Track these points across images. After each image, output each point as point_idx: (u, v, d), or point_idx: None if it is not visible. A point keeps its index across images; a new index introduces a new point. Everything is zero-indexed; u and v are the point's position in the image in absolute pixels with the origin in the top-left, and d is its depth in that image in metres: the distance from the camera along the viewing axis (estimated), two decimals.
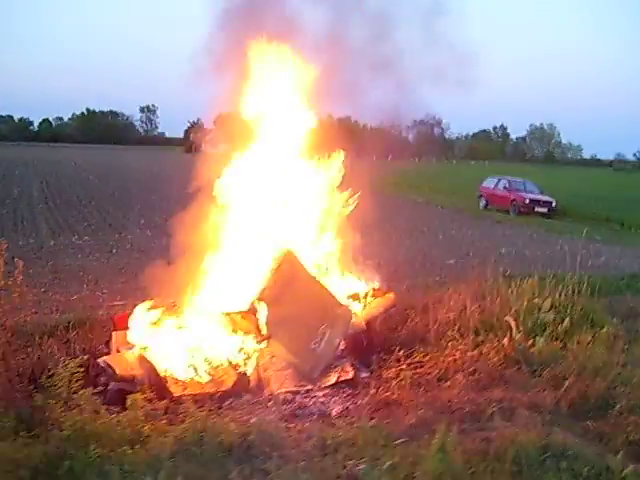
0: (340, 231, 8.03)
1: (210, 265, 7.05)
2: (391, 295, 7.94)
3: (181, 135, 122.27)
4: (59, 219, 20.28)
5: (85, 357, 6.05)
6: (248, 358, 6.57)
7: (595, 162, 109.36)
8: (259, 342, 6.60)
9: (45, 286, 10.86)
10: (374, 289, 7.94)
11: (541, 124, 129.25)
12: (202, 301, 6.84)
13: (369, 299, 7.77)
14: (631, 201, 31.98)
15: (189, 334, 6.54)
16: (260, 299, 6.58)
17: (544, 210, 28.17)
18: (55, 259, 13.67)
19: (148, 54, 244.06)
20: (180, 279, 6.94)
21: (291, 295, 6.81)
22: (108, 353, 6.86)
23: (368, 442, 4.75)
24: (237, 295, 6.83)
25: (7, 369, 5.54)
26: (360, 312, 7.56)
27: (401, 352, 7.21)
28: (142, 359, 6.24)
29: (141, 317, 6.67)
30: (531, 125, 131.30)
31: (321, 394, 6.46)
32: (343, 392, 6.56)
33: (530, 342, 7.21)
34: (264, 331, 6.58)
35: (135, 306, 7.04)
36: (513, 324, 7.45)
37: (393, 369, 6.99)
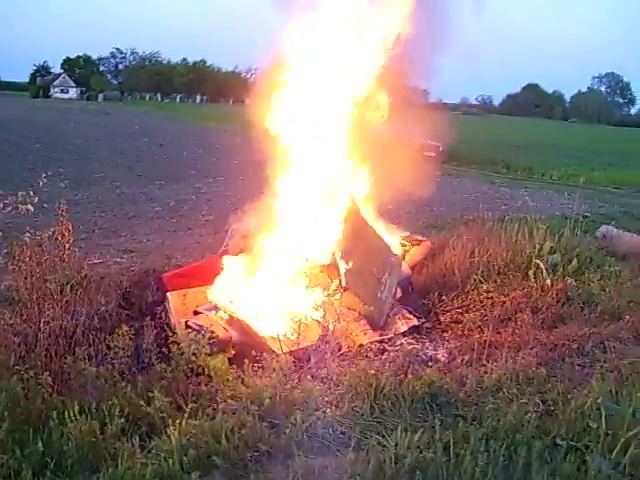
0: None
1: (275, 218, 6.78)
2: (428, 242, 8.13)
3: (21, 79, 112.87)
4: None
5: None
6: (326, 311, 6.52)
7: (441, 107, 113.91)
8: (338, 294, 6.56)
9: None
10: (409, 237, 8.08)
11: None
12: (275, 257, 6.61)
13: (409, 247, 7.91)
14: (504, 145, 34.25)
15: (269, 292, 6.35)
16: (338, 252, 6.52)
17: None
18: None
19: None
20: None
21: (358, 246, 6.80)
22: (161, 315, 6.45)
23: (523, 381, 4.99)
24: (307, 248, 6.69)
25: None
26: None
27: (442, 297, 7.53)
28: (234, 320, 6.00)
29: (223, 278, 6.36)
30: None
31: (403, 342, 6.58)
32: (420, 338, 6.73)
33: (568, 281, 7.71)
34: (342, 283, 6.55)
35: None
36: (542, 265, 7.91)
37: (447, 314, 7.29)
